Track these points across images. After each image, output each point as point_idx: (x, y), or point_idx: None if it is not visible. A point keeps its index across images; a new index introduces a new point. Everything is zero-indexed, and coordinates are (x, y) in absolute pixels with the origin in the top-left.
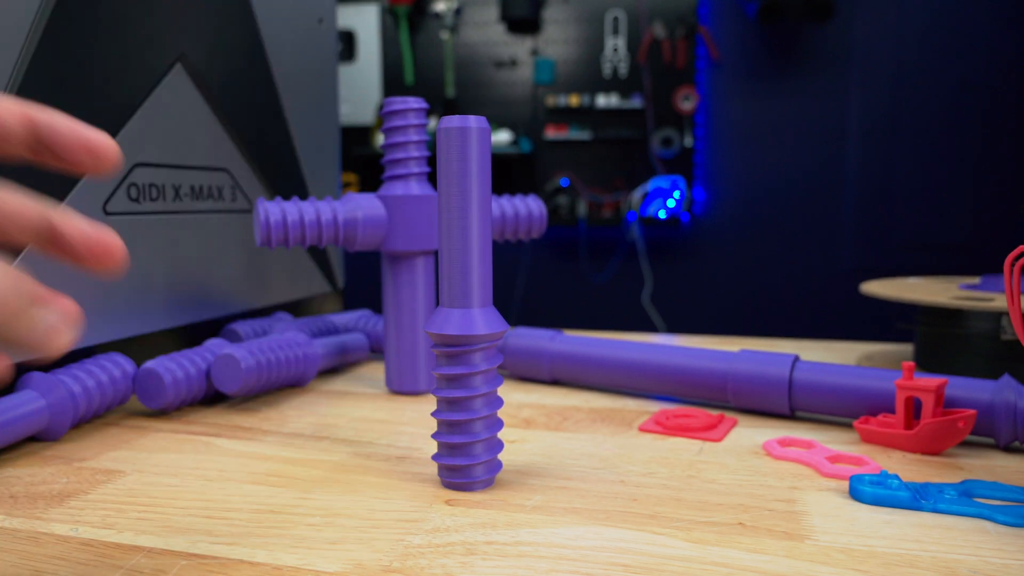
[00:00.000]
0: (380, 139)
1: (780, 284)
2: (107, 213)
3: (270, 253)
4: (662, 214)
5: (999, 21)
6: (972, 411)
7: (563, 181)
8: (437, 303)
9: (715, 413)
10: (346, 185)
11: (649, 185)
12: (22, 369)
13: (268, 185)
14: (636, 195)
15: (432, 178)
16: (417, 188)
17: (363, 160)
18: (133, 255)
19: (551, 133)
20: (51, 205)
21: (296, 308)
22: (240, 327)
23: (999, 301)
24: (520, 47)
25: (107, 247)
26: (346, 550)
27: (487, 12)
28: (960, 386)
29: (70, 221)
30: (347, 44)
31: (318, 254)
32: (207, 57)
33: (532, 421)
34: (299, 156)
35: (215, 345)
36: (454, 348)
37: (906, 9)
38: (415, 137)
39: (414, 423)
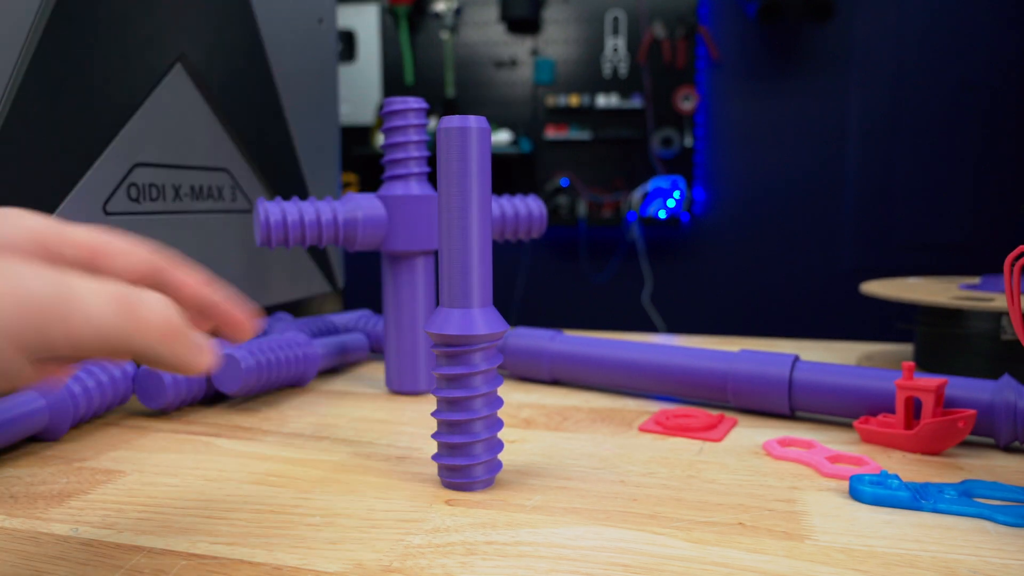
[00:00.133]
0: (380, 139)
1: (780, 284)
2: (107, 213)
3: (270, 253)
4: (662, 214)
5: (999, 21)
6: (972, 411)
7: (563, 181)
8: (437, 303)
9: (715, 413)
10: (346, 185)
11: (649, 185)
12: None
13: (268, 185)
14: (636, 195)
15: (432, 178)
16: (417, 188)
17: (363, 160)
18: None
19: (551, 133)
20: (160, 256)
21: (296, 308)
22: None
23: (999, 301)
24: (520, 47)
25: (224, 308)
26: (346, 550)
27: (487, 12)
28: (960, 386)
29: (180, 275)
30: (347, 44)
31: (318, 254)
32: (207, 57)
33: (532, 421)
34: (299, 156)
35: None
36: (454, 348)
37: (906, 9)
38: (415, 137)
39: (414, 423)
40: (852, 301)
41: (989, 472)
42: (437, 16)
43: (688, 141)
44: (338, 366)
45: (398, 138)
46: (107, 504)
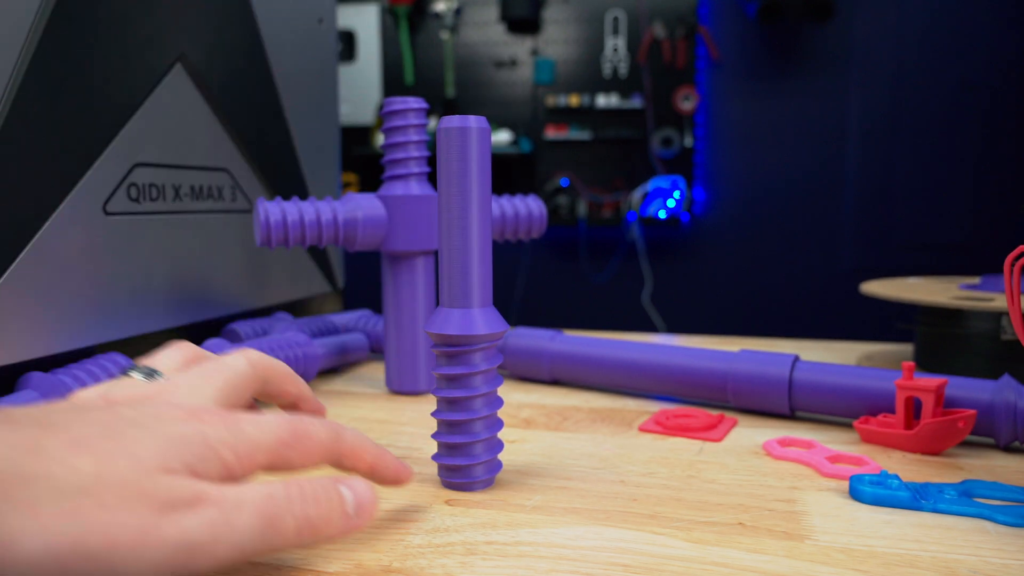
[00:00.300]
0: (380, 139)
1: (780, 284)
2: (107, 213)
3: (270, 253)
4: (662, 214)
5: (999, 21)
6: (972, 411)
7: (563, 181)
8: (437, 303)
9: (715, 413)
10: (346, 185)
11: (649, 185)
12: (22, 369)
13: (268, 185)
14: (636, 195)
15: (432, 178)
16: (417, 188)
17: (363, 160)
18: (133, 255)
19: (551, 133)
20: (340, 434)
21: (296, 308)
22: (240, 327)
23: (999, 301)
24: (520, 47)
25: (396, 475)
26: (346, 550)
27: (487, 12)
28: (960, 386)
29: (358, 452)
30: (347, 44)
31: (318, 254)
32: (207, 57)
33: (532, 421)
34: (299, 156)
35: (215, 345)
36: (454, 348)
37: (906, 9)
38: (415, 137)
39: (414, 423)
40: (852, 301)
41: (989, 472)
42: (437, 16)
43: (688, 141)
44: (338, 366)
45: (398, 138)
46: None
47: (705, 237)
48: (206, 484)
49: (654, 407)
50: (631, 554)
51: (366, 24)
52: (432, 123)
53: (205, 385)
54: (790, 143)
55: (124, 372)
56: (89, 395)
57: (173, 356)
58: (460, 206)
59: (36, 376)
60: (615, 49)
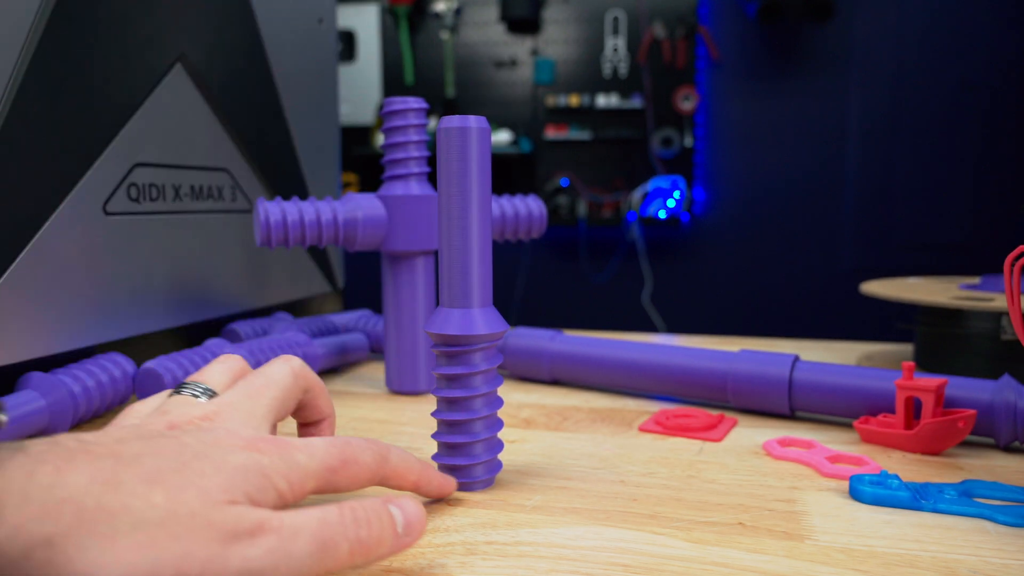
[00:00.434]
0: (380, 139)
1: (780, 284)
2: (107, 213)
3: (270, 253)
4: (662, 214)
5: (999, 21)
6: (972, 411)
7: (563, 181)
8: (437, 303)
9: (715, 413)
10: (346, 185)
11: (649, 185)
12: (22, 369)
13: (268, 185)
14: (636, 195)
15: (432, 178)
16: (417, 188)
17: (363, 160)
18: (133, 255)
19: (551, 133)
20: (386, 456)
21: (296, 308)
22: (240, 327)
23: (999, 301)
24: (520, 47)
25: (440, 489)
26: None
27: (487, 12)
28: (960, 386)
29: (401, 470)
30: (347, 44)
31: (318, 254)
32: (207, 57)
33: (532, 421)
34: (299, 156)
35: (215, 345)
36: (454, 348)
37: (906, 9)
38: (415, 137)
39: (414, 423)
40: (852, 301)
41: (989, 472)
42: (437, 16)
43: (688, 141)
44: (338, 366)
45: (398, 138)
46: None
47: (705, 237)
48: (266, 511)
49: (654, 407)
50: (631, 554)
51: (366, 24)
52: (432, 123)
53: (257, 405)
54: (790, 143)
55: (178, 388)
56: (147, 411)
57: (223, 372)
58: (460, 206)
59: (36, 376)
60: (615, 49)
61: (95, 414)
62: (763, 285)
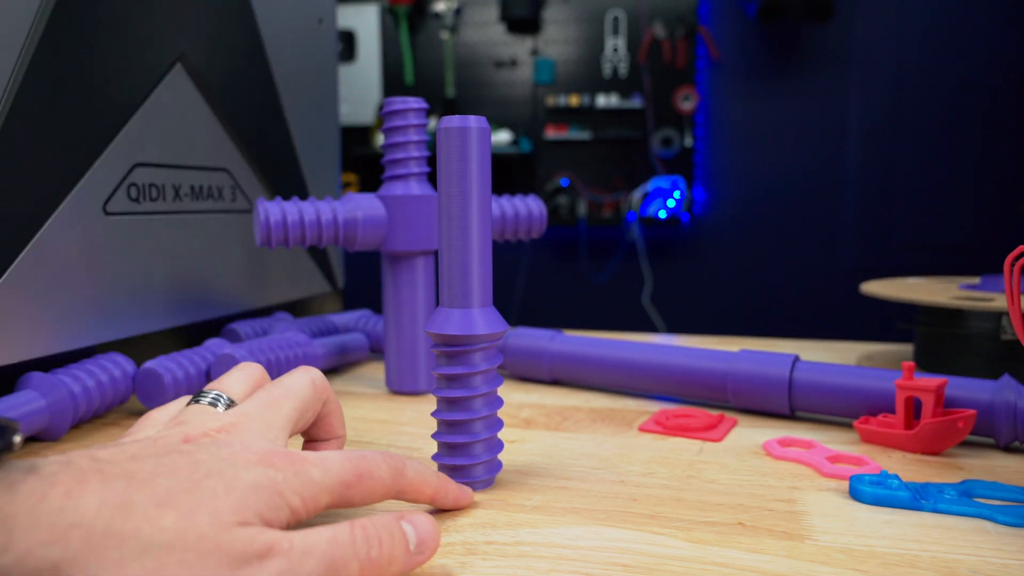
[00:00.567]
0: (380, 139)
1: (780, 284)
2: (107, 213)
3: (270, 253)
4: (662, 214)
5: (999, 21)
6: (972, 411)
7: (563, 181)
8: (437, 303)
9: (715, 413)
10: (346, 185)
11: (649, 185)
12: (22, 369)
13: (268, 185)
14: (636, 195)
15: (432, 178)
16: (417, 188)
17: (363, 160)
18: (133, 255)
19: (551, 133)
20: (401, 471)
21: (296, 308)
22: (240, 327)
23: (999, 301)
24: (520, 47)
25: (457, 501)
26: None
27: (487, 12)
28: (960, 386)
29: (416, 483)
30: (347, 44)
31: (318, 254)
32: (207, 57)
33: (532, 421)
34: (299, 156)
35: (215, 345)
36: (454, 348)
37: (906, 9)
38: (415, 137)
39: (414, 423)
40: (852, 301)
41: (989, 472)
42: (437, 16)
43: (688, 141)
44: (338, 366)
45: (398, 138)
46: None
47: (705, 237)
48: (276, 533)
49: (654, 407)
50: (631, 554)
51: (366, 24)
52: (432, 123)
53: (276, 416)
54: (790, 143)
55: (197, 396)
56: (164, 419)
57: (242, 380)
58: (460, 206)
59: (36, 376)
60: (615, 49)
61: (95, 414)
62: (763, 285)
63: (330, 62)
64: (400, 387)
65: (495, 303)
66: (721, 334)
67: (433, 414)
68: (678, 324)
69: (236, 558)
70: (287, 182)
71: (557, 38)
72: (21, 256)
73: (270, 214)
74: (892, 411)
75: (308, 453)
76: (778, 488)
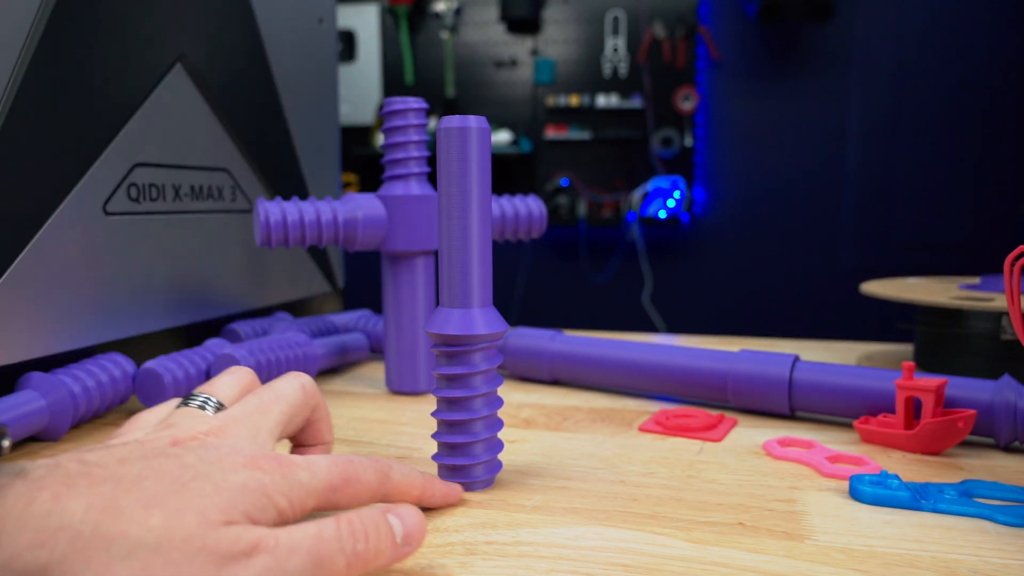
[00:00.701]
0: (380, 139)
1: (780, 284)
2: (107, 213)
3: (270, 253)
4: (662, 214)
5: (999, 21)
6: (972, 411)
7: (563, 181)
8: (437, 303)
9: (715, 413)
10: (346, 185)
11: (649, 185)
12: (22, 369)
13: (268, 185)
14: (636, 195)
15: (432, 178)
16: (417, 188)
17: (363, 160)
18: (133, 255)
19: (551, 133)
20: (387, 474)
21: (296, 308)
22: (240, 327)
23: (999, 301)
24: (520, 47)
25: (445, 499)
26: None
27: (487, 12)
28: (960, 386)
29: (402, 485)
30: (347, 44)
31: (318, 254)
32: (207, 57)
33: (532, 421)
34: (299, 156)
35: (215, 345)
36: (454, 348)
37: (906, 9)
38: (415, 137)
39: (414, 423)
40: (852, 301)
41: (989, 472)
42: (437, 16)
43: (688, 141)
44: (338, 366)
45: (398, 138)
46: None
47: (705, 237)
48: (262, 530)
49: (654, 407)
50: (631, 554)
51: (366, 24)
52: (432, 123)
53: (264, 420)
54: (790, 143)
55: (186, 399)
56: (153, 421)
57: (232, 384)
58: (460, 206)
59: (36, 376)
60: (615, 49)
61: (95, 414)
62: (763, 285)
63: (330, 62)
64: (400, 387)
65: (495, 303)
66: (721, 334)
67: (433, 414)
68: (678, 324)
69: (223, 556)
70: (287, 182)
71: (557, 38)
72: (21, 256)
73: (270, 214)
74: (892, 411)
75: (296, 457)
76: (778, 488)
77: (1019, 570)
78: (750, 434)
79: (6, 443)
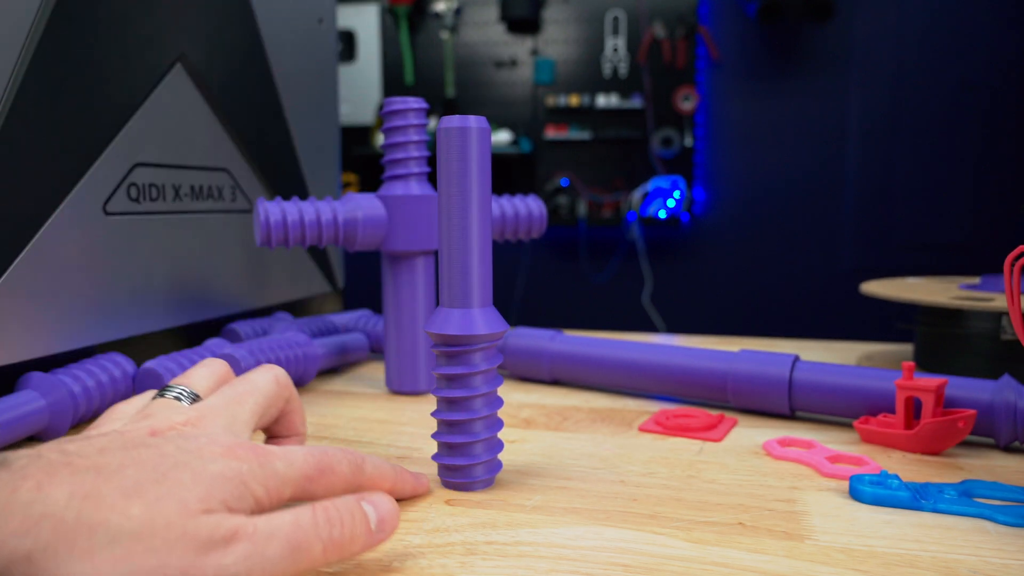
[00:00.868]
0: (380, 139)
1: (780, 284)
2: (107, 213)
3: (270, 253)
4: (662, 214)
5: (999, 21)
6: (972, 411)
7: (563, 181)
8: (437, 303)
9: (715, 413)
10: (346, 185)
11: (649, 185)
12: (22, 369)
13: (268, 185)
14: (636, 195)
15: (432, 178)
16: (417, 188)
17: (363, 160)
18: (133, 255)
19: (551, 133)
20: (360, 466)
21: (296, 308)
22: (240, 327)
23: (999, 301)
24: (520, 47)
25: (415, 490)
26: None
27: (487, 12)
28: (960, 386)
29: (376, 478)
30: (347, 44)
31: (318, 254)
32: (207, 57)
33: (532, 421)
34: (299, 156)
35: (215, 345)
36: (454, 348)
37: (906, 9)
38: (415, 137)
39: (414, 423)
40: (852, 301)
41: (989, 472)
42: (437, 16)
43: (688, 141)
44: (338, 366)
45: (398, 138)
46: None
47: (705, 237)
48: (240, 518)
49: (654, 407)
50: (631, 554)
51: (366, 24)
52: (432, 123)
53: (240, 411)
54: (790, 143)
55: (162, 390)
56: (131, 412)
57: (207, 376)
58: (460, 206)
59: (36, 376)
60: (615, 49)
61: (95, 414)
62: (763, 285)
63: (330, 62)
64: (400, 387)
65: (495, 303)
66: (721, 334)
67: (433, 414)
68: (678, 324)
69: (202, 543)
70: (287, 182)
71: (557, 38)
72: (21, 256)
73: (270, 214)
74: (892, 411)
75: (272, 447)
76: (778, 488)
77: (1019, 570)
78: (750, 434)
79: None
